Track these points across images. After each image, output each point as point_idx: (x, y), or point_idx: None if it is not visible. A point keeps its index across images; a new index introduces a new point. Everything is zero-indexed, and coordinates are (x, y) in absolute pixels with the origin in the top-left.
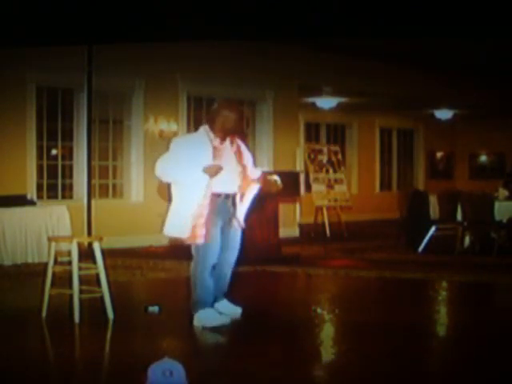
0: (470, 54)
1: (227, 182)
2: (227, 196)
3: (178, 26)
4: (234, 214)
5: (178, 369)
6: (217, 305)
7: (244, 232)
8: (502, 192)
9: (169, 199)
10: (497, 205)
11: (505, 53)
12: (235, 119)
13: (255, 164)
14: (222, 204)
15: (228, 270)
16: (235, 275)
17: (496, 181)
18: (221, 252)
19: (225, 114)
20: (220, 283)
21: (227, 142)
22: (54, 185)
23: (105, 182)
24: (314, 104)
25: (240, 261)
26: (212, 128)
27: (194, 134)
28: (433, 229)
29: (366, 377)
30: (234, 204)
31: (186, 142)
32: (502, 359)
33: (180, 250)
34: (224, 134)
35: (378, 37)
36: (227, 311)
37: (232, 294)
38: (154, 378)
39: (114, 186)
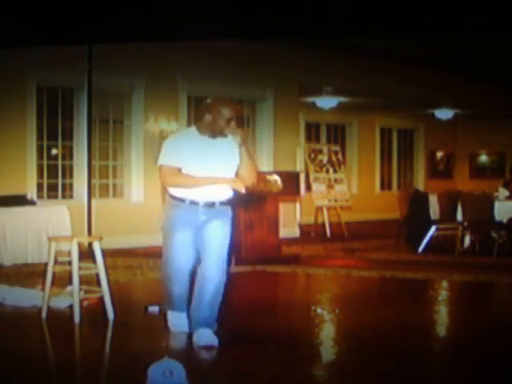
0: (471, 54)
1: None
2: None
3: (179, 26)
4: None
5: (178, 369)
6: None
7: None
8: (503, 192)
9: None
10: (497, 205)
11: (505, 52)
12: (228, 117)
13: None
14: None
15: (207, 290)
16: (235, 275)
17: (496, 181)
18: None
19: (218, 110)
20: (198, 308)
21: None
22: (55, 184)
23: (105, 182)
24: (314, 104)
25: (240, 260)
26: (200, 123)
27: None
28: (433, 229)
29: (366, 377)
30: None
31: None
32: (503, 359)
33: None
34: (213, 131)
35: (379, 37)
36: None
37: (232, 295)
38: (155, 378)
39: (115, 186)
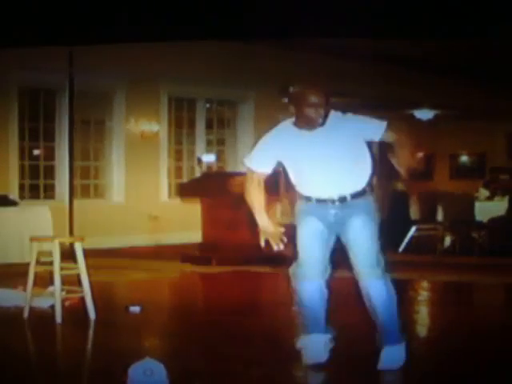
0: (451, 55)
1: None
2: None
3: (158, 27)
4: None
5: (159, 368)
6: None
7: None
8: (483, 192)
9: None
10: (477, 205)
11: (485, 52)
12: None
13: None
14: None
15: None
16: (218, 276)
17: (477, 181)
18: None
19: (300, 100)
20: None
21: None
22: (36, 185)
23: (87, 183)
24: None
25: (222, 261)
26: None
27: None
28: (413, 229)
29: (351, 377)
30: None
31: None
32: (484, 359)
33: (163, 251)
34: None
35: (358, 37)
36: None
37: (216, 295)
38: (136, 377)
39: (96, 187)
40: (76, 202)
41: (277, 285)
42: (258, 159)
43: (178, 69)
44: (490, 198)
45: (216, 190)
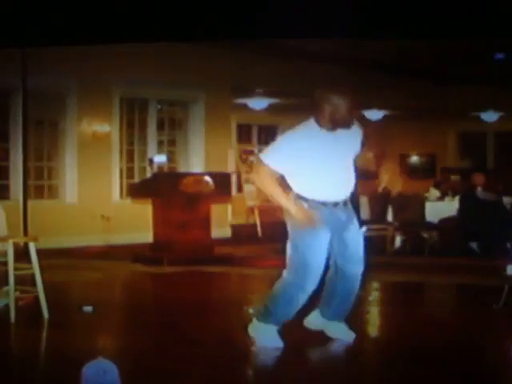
0: (400, 55)
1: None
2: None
3: (112, 29)
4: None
5: (111, 368)
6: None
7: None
8: (434, 193)
9: None
10: (428, 205)
11: (434, 53)
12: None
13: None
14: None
15: None
16: (169, 275)
17: (427, 181)
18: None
19: (333, 102)
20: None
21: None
22: None
23: (40, 183)
24: (245, 105)
25: (173, 261)
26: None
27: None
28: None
29: (299, 377)
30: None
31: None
32: (433, 358)
33: (115, 251)
34: (332, 124)
35: (311, 37)
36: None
37: (167, 295)
38: (89, 377)
39: (50, 187)
40: (30, 203)
41: (227, 284)
42: (279, 159)
43: (129, 69)
44: (440, 199)
45: (167, 191)
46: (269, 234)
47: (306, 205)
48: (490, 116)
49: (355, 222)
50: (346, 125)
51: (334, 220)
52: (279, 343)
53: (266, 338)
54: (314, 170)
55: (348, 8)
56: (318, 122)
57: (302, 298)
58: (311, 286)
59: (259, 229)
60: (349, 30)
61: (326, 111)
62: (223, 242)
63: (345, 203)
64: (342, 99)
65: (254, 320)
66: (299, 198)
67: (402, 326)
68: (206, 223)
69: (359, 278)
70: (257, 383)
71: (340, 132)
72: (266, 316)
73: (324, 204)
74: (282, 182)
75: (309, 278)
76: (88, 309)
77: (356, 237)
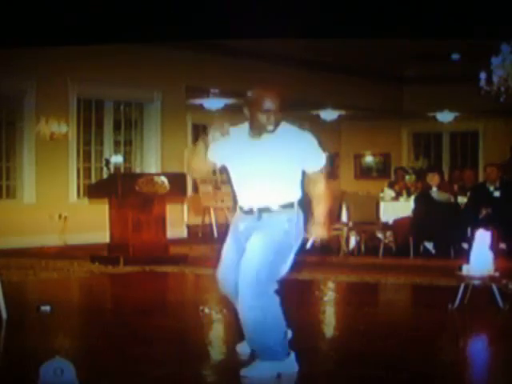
0: (355, 55)
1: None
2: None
3: (69, 30)
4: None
5: (68, 368)
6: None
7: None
8: (388, 193)
9: None
10: (382, 205)
11: (388, 53)
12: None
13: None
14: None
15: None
16: (124, 276)
17: (382, 181)
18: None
19: (251, 104)
20: None
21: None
22: None
23: None
24: (201, 105)
25: (128, 261)
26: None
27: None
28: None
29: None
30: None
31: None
32: (388, 359)
33: (73, 250)
34: (253, 128)
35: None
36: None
37: (121, 295)
38: (46, 376)
39: (8, 187)
40: None
41: (183, 284)
42: (211, 152)
43: (86, 70)
44: (395, 199)
45: (123, 191)
46: (225, 234)
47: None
48: (445, 116)
49: (259, 235)
50: (261, 130)
51: (240, 226)
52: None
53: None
54: (234, 172)
55: (305, 7)
56: (249, 125)
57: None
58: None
59: (215, 229)
60: (307, 29)
61: (247, 114)
62: (179, 242)
63: (260, 211)
64: (258, 102)
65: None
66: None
67: (357, 325)
68: (161, 223)
69: (242, 298)
70: (211, 382)
71: (264, 139)
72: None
73: (240, 209)
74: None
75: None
76: (45, 308)
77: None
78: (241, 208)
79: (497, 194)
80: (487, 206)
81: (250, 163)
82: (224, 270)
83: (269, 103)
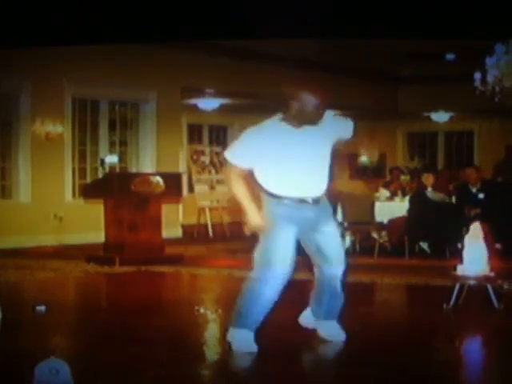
0: (350, 55)
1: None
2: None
3: (64, 31)
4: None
5: (64, 368)
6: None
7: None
8: (383, 192)
9: None
10: (378, 205)
11: (385, 54)
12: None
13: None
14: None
15: None
16: (120, 275)
17: (377, 181)
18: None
19: (301, 99)
20: None
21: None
22: None
23: None
24: (196, 105)
25: (124, 261)
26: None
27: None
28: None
29: (250, 376)
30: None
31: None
32: (384, 360)
33: (68, 250)
34: (299, 121)
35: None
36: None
37: (117, 295)
38: (41, 376)
39: (3, 187)
40: None
41: (179, 284)
42: (240, 155)
43: (81, 70)
44: (390, 199)
45: (118, 191)
46: (220, 234)
47: (274, 201)
48: (440, 116)
49: (330, 223)
50: (313, 122)
51: (299, 217)
52: (253, 348)
53: (240, 342)
54: (277, 166)
55: (304, 8)
56: (285, 118)
57: (270, 294)
58: (275, 280)
59: (210, 229)
60: (303, 30)
61: (293, 108)
62: (174, 241)
63: (315, 201)
64: (310, 96)
65: (230, 327)
66: (267, 194)
67: (352, 326)
68: (157, 223)
69: (338, 278)
70: (206, 382)
71: (307, 129)
72: (238, 320)
73: (290, 200)
74: (251, 180)
75: (271, 272)
76: (41, 308)
77: (330, 239)
78: (290, 199)
79: (481, 195)
80: (475, 207)
81: (297, 154)
82: (284, 254)
83: (321, 97)
